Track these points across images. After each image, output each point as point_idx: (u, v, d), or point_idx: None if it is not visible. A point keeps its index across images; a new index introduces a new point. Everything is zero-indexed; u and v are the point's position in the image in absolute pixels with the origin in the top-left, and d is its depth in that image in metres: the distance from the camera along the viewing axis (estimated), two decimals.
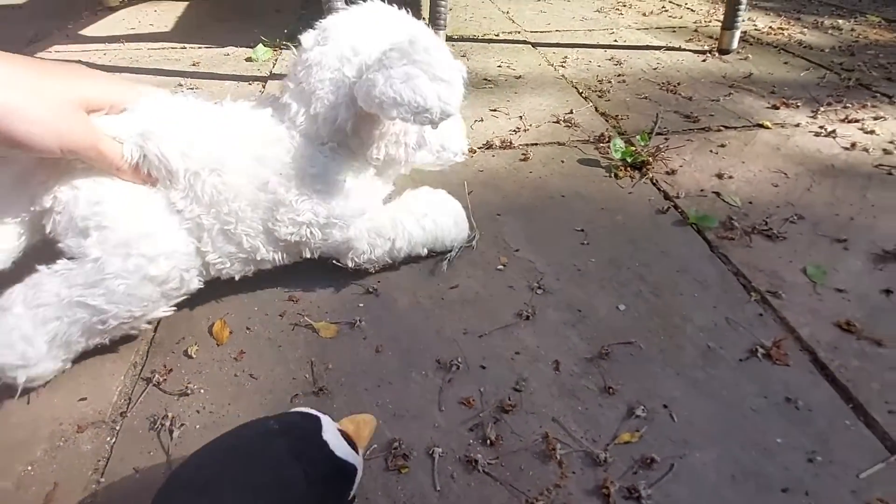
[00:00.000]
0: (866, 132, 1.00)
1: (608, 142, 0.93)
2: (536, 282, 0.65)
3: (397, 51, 0.50)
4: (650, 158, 0.87)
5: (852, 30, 1.67)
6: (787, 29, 1.66)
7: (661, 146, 0.93)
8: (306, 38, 0.57)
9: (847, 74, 1.28)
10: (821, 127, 1.01)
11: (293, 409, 0.41)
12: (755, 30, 1.65)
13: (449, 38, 1.47)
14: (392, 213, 0.62)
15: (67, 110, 0.46)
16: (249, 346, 0.57)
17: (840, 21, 1.77)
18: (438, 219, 0.64)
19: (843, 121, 1.05)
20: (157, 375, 0.54)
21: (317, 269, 0.63)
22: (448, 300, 0.63)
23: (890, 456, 0.47)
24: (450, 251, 0.67)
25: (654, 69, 1.30)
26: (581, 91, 1.17)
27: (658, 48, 1.45)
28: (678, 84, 1.20)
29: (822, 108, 1.09)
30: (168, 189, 0.53)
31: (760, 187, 0.84)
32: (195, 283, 0.56)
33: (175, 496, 0.34)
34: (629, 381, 0.53)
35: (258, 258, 0.58)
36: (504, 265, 0.68)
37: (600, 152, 0.92)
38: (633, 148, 0.90)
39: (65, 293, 0.47)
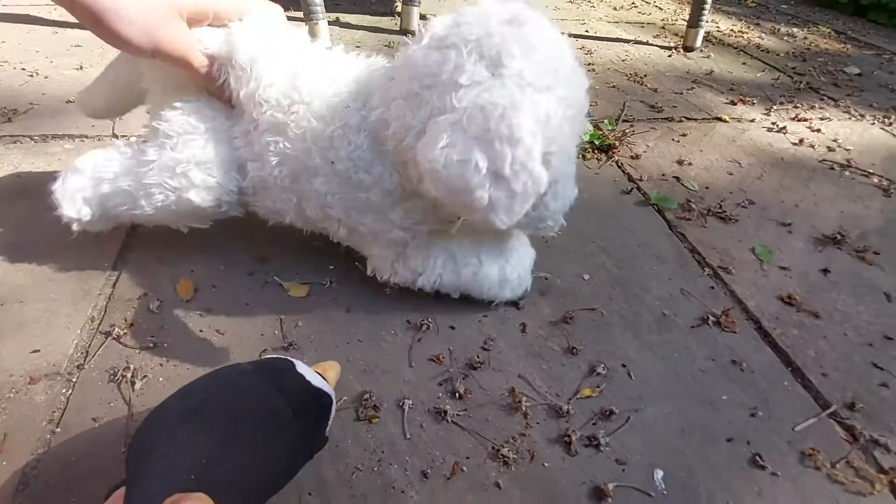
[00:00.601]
0: (813, 130, 1.08)
1: None
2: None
3: (479, 112, 0.39)
4: (616, 142, 0.91)
5: (805, 38, 1.77)
6: (747, 33, 1.74)
7: (627, 132, 0.96)
8: (428, 28, 0.45)
9: (799, 78, 1.37)
10: (773, 123, 1.08)
11: (266, 356, 0.41)
12: (718, 31, 1.72)
13: (422, 17, 1.46)
14: (431, 248, 0.54)
15: (164, 15, 0.47)
16: (216, 302, 0.56)
17: (795, 29, 1.88)
18: (480, 273, 0.55)
19: (793, 119, 1.12)
20: (116, 329, 0.52)
21: (288, 231, 0.63)
22: None
23: (822, 412, 0.52)
24: (491, 301, 0.58)
25: (623, 60, 1.34)
26: None
27: (627, 41, 1.49)
28: (645, 76, 1.25)
29: (775, 107, 1.16)
30: (235, 121, 0.54)
31: (716, 174, 0.89)
32: (235, 212, 0.57)
33: (161, 424, 0.33)
34: (591, 343, 0.56)
35: (287, 221, 0.57)
36: None
37: None
38: (601, 132, 0.93)
39: (126, 165, 0.53)
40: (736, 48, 1.56)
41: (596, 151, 0.90)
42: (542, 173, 0.40)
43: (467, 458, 0.45)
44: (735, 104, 1.15)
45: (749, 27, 1.83)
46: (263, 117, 0.51)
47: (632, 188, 0.82)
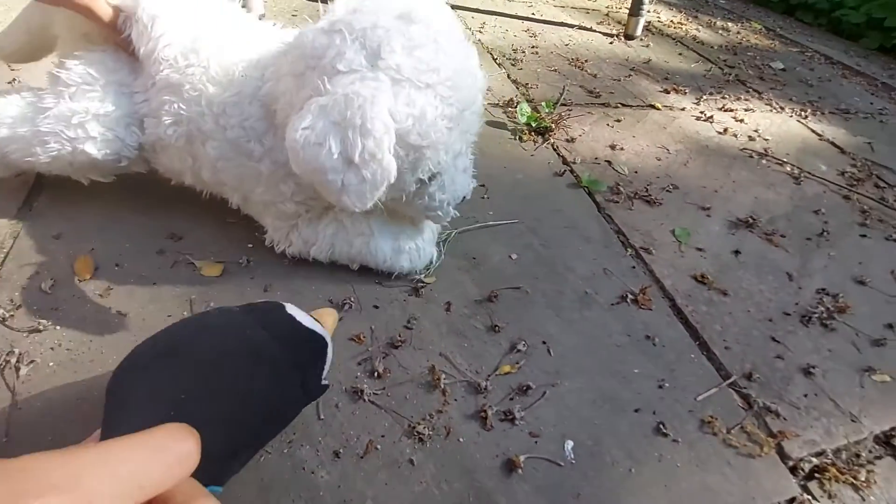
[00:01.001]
0: (737, 120, 1.13)
1: (516, 107, 0.96)
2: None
3: (332, 99, 0.40)
4: (553, 125, 0.92)
5: (738, 32, 1.85)
6: (685, 24, 1.81)
7: (564, 115, 0.98)
8: (339, 6, 0.45)
9: (729, 70, 1.43)
10: (701, 112, 1.12)
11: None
12: (658, 21, 1.77)
13: None
14: (326, 216, 0.56)
15: None
16: (118, 282, 0.53)
17: (729, 24, 1.96)
18: (373, 243, 0.55)
19: (720, 109, 1.17)
20: (1, 311, 0.48)
21: (206, 207, 0.60)
22: None
23: (723, 382, 0.55)
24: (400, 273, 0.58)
25: (566, 45, 1.36)
26: (496, 58, 1.19)
27: (572, 26, 1.51)
28: (586, 61, 1.27)
29: (704, 97, 1.21)
30: (137, 74, 0.53)
31: (646, 159, 0.92)
32: (137, 168, 0.57)
33: (138, 362, 0.32)
34: (514, 320, 0.57)
35: (186, 182, 0.57)
36: None
37: (508, 116, 0.95)
38: (539, 114, 0.94)
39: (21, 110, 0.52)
40: (674, 38, 1.61)
41: (533, 134, 0.91)
42: (392, 164, 0.41)
43: (382, 436, 0.45)
44: (668, 93, 1.20)
45: (688, 19, 1.89)
46: (160, 75, 0.50)
47: (565, 170, 0.83)
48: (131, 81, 0.53)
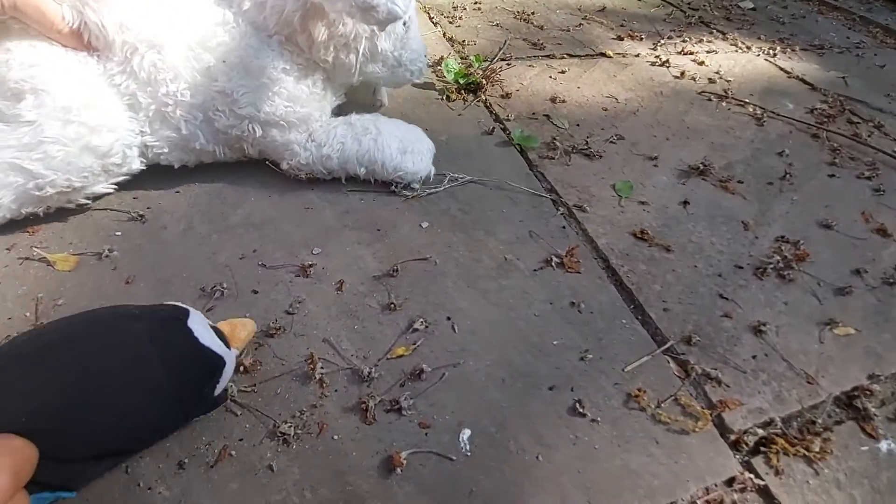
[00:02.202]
0: (698, 63, 1.04)
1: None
2: (339, 203, 0.59)
3: None
4: (484, 81, 0.83)
5: None
6: None
7: (499, 70, 0.89)
8: None
9: (692, 12, 1.33)
10: (657, 57, 1.03)
11: (163, 303, 0.38)
12: None
13: None
14: (331, 120, 0.59)
15: None
16: None
17: None
18: (380, 139, 0.58)
19: (679, 53, 1.08)
20: None
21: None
22: (230, 224, 0.55)
23: (657, 349, 0.48)
24: (399, 183, 0.60)
25: None
26: (432, 16, 1.10)
27: None
28: (532, 13, 1.17)
29: (662, 41, 1.12)
30: (106, 61, 0.50)
31: (590, 111, 0.84)
32: (137, 164, 0.53)
33: (7, 359, 0.30)
34: (417, 296, 0.50)
35: (197, 147, 0.54)
36: (311, 187, 0.61)
37: (437, 76, 0.87)
38: (468, 69, 0.85)
39: None
40: None
41: (463, 92, 0.83)
42: None
43: (240, 440, 0.38)
44: (622, 39, 1.10)
45: None
46: (135, 45, 0.49)
47: (494, 128, 0.75)
48: (104, 70, 0.50)
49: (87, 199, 0.52)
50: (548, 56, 0.99)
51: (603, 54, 1.03)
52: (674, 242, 0.60)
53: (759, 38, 1.22)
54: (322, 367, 0.42)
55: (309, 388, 0.41)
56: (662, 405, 0.44)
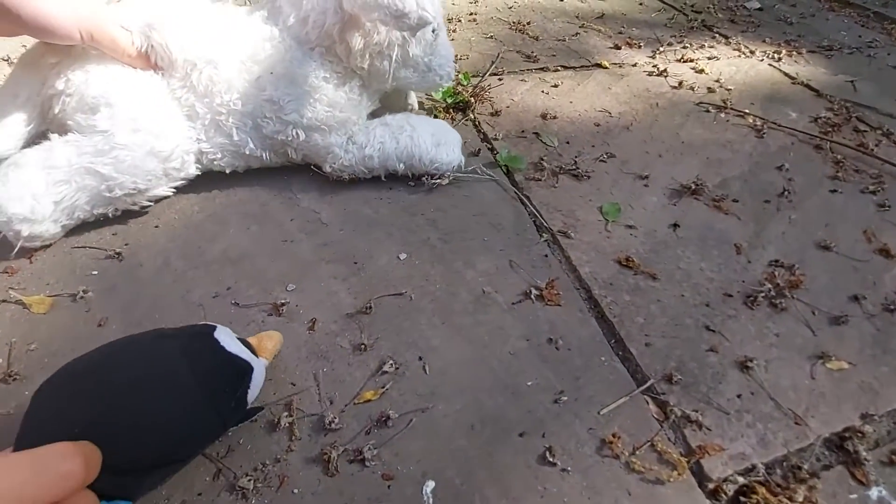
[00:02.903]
0: (697, 71, 1.01)
1: None
2: (317, 234, 0.59)
3: None
4: (472, 99, 0.82)
5: None
6: None
7: (490, 86, 0.88)
8: None
9: (695, 16, 1.30)
10: (655, 66, 1.01)
11: (193, 323, 0.41)
12: None
13: None
14: (369, 123, 0.64)
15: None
16: None
17: None
18: (416, 135, 0.64)
19: (678, 60, 1.05)
20: None
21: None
22: (207, 260, 0.55)
23: (636, 389, 0.47)
24: (435, 174, 0.66)
25: (510, 8, 1.24)
26: None
27: None
28: (528, 24, 1.15)
29: (661, 48, 1.09)
30: (169, 77, 0.56)
31: (582, 127, 0.82)
32: (193, 169, 0.60)
33: (60, 379, 0.34)
34: (389, 334, 0.49)
35: (247, 152, 0.60)
36: (291, 217, 0.60)
37: (426, 95, 0.86)
38: (457, 87, 0.84)
39: (75, 160, 0.51)
40: None
41: (451, 111, 0.81)
42: None
43: (199, 494, 0.38)
44: (619, 48, 1.08)
45: None
46: (195, 62, 0.55)
47: (480, 149, 0.74)
48: (167, 85, 0.56)
49: (150, 201, 0.58)
50: (541, 69, 0.97)
51: (599, 65, 1.00)
52: (661, 270, 0.58)
53: (763, 41, 1.18)
54: (287, 415, 0.42)
55: (273, 438, 0.41)
56: (638, 452, 0.42)
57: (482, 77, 0.91)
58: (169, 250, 0.55)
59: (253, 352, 0.40)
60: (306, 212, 0.61)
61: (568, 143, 0.78)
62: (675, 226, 0.64)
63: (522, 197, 0.67)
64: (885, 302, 0.57)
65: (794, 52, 1.14)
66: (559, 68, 0.98)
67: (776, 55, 1.11)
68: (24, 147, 0.54)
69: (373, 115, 0.67)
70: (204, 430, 0.36)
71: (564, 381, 0.47)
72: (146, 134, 0.53)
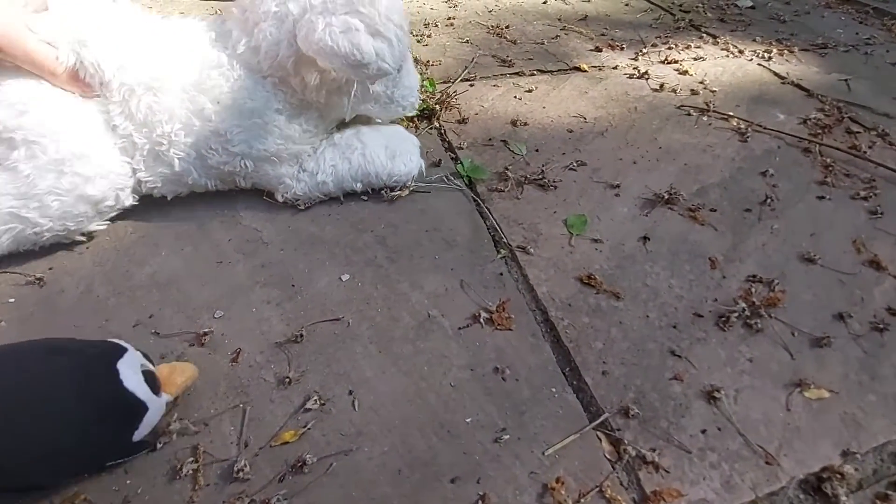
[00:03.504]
0: (681, 73, 0.97)
1: None
2: (255, 254, 0.55)
3: None
4: (437, 107, 0.78)
5: None
6: None
7: (452, 92, 0.84)
8: None
9: (683, 15, 1.25)
10: (635, 69, 0.96)
11: (104, 339, 0.38)
12: None
13: None
14: (321, 145, 0.60)
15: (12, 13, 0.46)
16: None
17: None
18: (367, 151, 0.60)
19: (662, 62, 1.01)
20: None
21: None
22: (132, 286, 0.51)
23: (587, 425, 0.42)
24: (395, 187, 0.63)
25: (490, 12, 1.20)
26: None
27: None
28: (507, 27, 1.11)
29: (645, 50, 1.05)
30: (104, 102, 0.51)
31: (554, 133, 0.78)
32: (129, 200, 0.55)
33: None
34: (319, 366, 0.45)
35: (189, 181, 0.56)
36: (229, 238, 0.57)
37: None
38: (423, 94, 0.80)
39: None
40: None
41: (415, 120, 0.78)
42: (404, 20, 0.50)
43: None
44: (601, 50, 1.03)
45: None
46: (133, 87, 0.50)
47: (441, 160, 0.70)
48: (104, 109, 0.51)
49: (82, 236, 0.54)
50: (516, 73, 0.93)
51: (577, 68, 0.96)
52: (625, 288, 0.54)
53: (754, 41, 1.13)
54: (192, 461, 0.38)
55: (174, 486, 0.37)
56: (584, 500, 0.37)
57: (451, 83, 0.87)
58: (94, 275, 0.52)
59: (156, 386, 0.37)
60: (247, 230, 0.57)
61: (537, 150, 0.74)
62: (645, 238, 0.60)
63: (482, 210, 0.62)
64: (873, 320, 0.52)
65: (786, 51, 1.09)
66: (535, 72, 0.94)
67: (766, 54, 1.06)
68: None
69: None
70: (78, 462, 0.35)
71: (508, 416, 0.42)
72: (74, 177, 0.48)
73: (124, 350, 0.37)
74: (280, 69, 0.52)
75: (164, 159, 0.53)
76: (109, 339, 0.38)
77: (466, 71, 0.92)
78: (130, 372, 0.36)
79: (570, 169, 0.70)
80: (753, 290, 0.54)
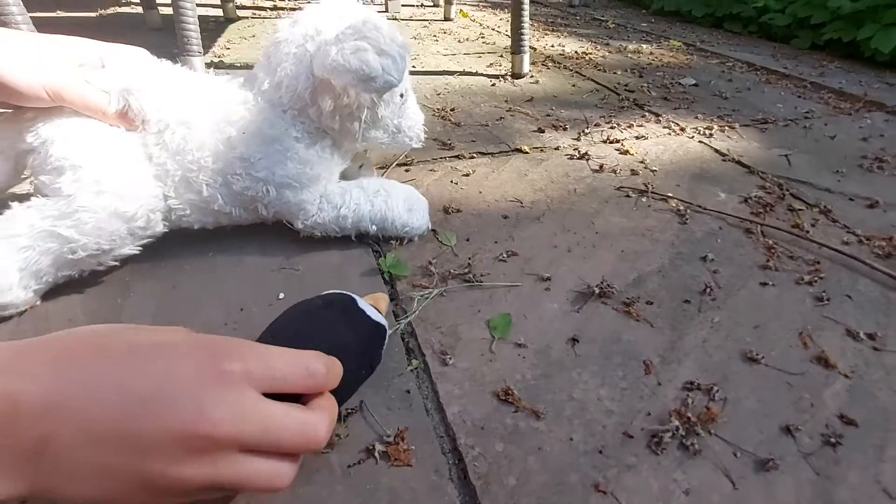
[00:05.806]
0: (622, 152, 0.97)
1: None
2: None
3: (351, 28, 0.54)
4: None
5: (651, 53, 1.73)
6: (591, 53, 1.69)
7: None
8: (280, 23, 0.61)
9: (627, 95, 1.29)
10: (576, 149, 0.96)
11: (326, 292, 0.47)
12: (561, 55, 1.66)
13: (231, 66, 1.31)
14: (345, 185, 0.66)
15: (52, 59, 0.53)
16: None
17: (644, 45, 1.85)
18: (390, 200, 0.66)
19: (604, 142, 1.01)
20: None
21: None
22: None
23: None
24: (403, 238, 0.69)
25: (438, 94, 1.22)
26: None
27: (452, 73, 1.39)
28: (453, 110, 1.13)
29: (588, 130, 1.05)
30: (144, 134, 0.57)
31: (488, 220, 0.75)
32: (160, 227, 0.59)
33: (281, 320, 0.43)
34: None
35: (216, 208, 0.61)
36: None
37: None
38: None
39: (38, 224, 0.51)
40: (572, 70, 1.48)
41: None
42: (406, 43, 0.57)
43: None
44: (543, 132, 1.04)
45: (597, 48, 1.78)
46: (169, 122, 0.57)
47: (362, 254, 0.66)
48: (141, 139, 0.57)
49: (116, 261, 0.57)
50: (455, 156, 0.92)
51: (518, 150, 0.96)
52: (548, 402, 0.48)
53: (696, 118, 1.16)
54: None
55: None
56: None
57: (387, 169, 0.85)
58: (83, 308, 0.45)
59: (379, 313, 0.47)
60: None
61: (468, 240, 0.70)
62: (574, 340, 0.55)
63: (397, 310, 0.57)
64: (825, 432, 0.47)
65: (727, 127, 1.10)
66: (475, 155, 0.93)
67: (707, 131, 1.08)
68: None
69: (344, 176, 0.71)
70: (361, 378, 0.45)
71: None
72: (110, 195, 0.53)
73: (351, 295, 0.46)
74: (299, 100, 0.60)
75: (193, 185, 0.59)
76: (332, 291, 0.47)
77: (404, 155, 0.90)
78: (368, 308, 0.46)
79: (501, 260, 0.66)
80: (691, 400, 0.49)
